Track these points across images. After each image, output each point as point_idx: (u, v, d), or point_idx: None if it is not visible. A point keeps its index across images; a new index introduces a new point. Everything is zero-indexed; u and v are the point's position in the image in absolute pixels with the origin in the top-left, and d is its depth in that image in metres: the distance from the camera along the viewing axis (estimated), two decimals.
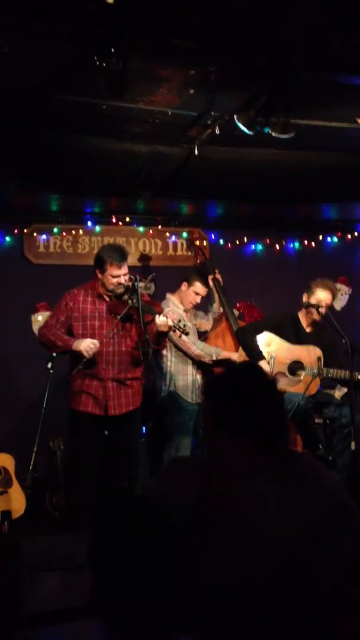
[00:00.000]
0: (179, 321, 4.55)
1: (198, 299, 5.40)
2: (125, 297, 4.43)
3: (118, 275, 4.40)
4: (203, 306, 5.71)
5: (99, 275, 4.47)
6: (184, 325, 4.58)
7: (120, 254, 4.43)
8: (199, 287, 5.35)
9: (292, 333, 5.10)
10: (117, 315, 4.42)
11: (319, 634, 1.43)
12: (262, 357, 4.97)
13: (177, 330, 4.53)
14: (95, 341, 4.36)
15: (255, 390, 1.73)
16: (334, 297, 5.08)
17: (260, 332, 5.11)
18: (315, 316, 5.00)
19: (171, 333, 4.90)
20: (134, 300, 4.36)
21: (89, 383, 4.45)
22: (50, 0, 3.11)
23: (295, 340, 5.09)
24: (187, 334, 4.69)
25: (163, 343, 4.78)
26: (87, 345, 4.33)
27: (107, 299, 4.50)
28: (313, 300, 5.00)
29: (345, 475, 4.70)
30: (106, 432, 4.59)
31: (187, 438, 5.23)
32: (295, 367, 5.04)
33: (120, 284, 4.41)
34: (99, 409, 4.45)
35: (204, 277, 5.47)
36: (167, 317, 4.46)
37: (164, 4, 3.14)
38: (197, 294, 5.35)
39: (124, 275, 4.42)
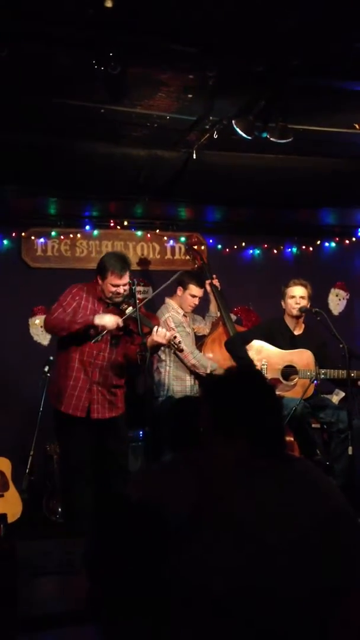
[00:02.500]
0: (174, 338, 4.61)
1: (196, 301, 5.42)
2: (124, 306, 4.44)
3: (118, 285, 4.42)
4: (201, 310, 5.71)
5: (99, 281, 4.47)
6: (179, 342, 4.67)
7: (122, 265, 4.43)
8: (194, 289, 5.37)
9: (282, 337, 5.12)
10: None
11: (316, 636, 1.43)
12: (253, 366, 4.98)
13: (171, 347, 4.60)
14: (118, 317, 4.35)
15: (252, 393, 1.72)
16: (308, 288, 5.09)
17: (249, 341, 5.12)
18: (296, 312, 5.03)
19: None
20: (132, 310, 4.37)
21: (74, 384, 4.45)
22: (49, 5, 3.11)
23: (286, 343, 5.10)
24: (181, 350, 4.80)
25: (154, 356, 4.82)
26: (109, 318, 4.31)
27: (106, 303, 4.51)
28: (290, 300, 5.06)
29: (342, 480, 4.70)
30: (94, 436, 4.59)
31: None
32: (288, 372, 5.04)
33: (118, 293, 4.43)
34: (79, 411, 4.45)
35: (197, 278, 5.49)
36: (164, 330, 4.52)
37: (163, 9, 3.15)
38: (193, 296, 5.37)
39: (124, 285, 4.43)
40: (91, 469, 4.50)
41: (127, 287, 4.45)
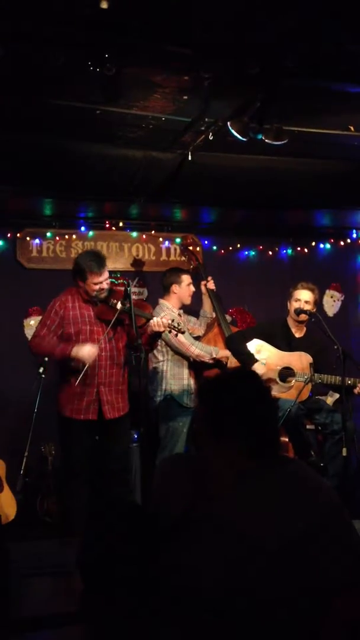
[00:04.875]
0: (173, 320, 4.59)
1: (193, 287, 5.47)
2: (113, 301, 4.45)
3: (100, 282, 4.43)
4: (194, 311, 5.72)
5: (80, 284, 4.49)
6: (178, 324, 4.63)
7: (98, 262, 4.44)
8: (186, 278, 5.43)
9: (281, 339, 5.13)
10: (107, 321, 4.43)
11: (307, 636, 1.43)
12: (255, 360, 4.98)
13: (172, 330, 4.57)
14: (95, 346, 4.36)
15: (248, 395, 1.73)
16: (315, 293, 5.10)
17: (249, 339, 5.12)
18: (302, 317, 5.04)
19: (169, 336, 4.93)
20: (125, 305, 4.37)
21: (82, 389, 4.44)
22: (45, 5, 3.11)
23: (285, 345, 5.11)
24: (183, 332, 4.75)
25: (154, 344, 4.80)
26: (89, 352, 4.33)
27: (94, 304, 4.51)
28: (295, 303, 5.06)
29: (337, 481, 4.71)
30: (96, 437, 4.60)
31: (180, 444, 5.22)
32: (285, 373, 5.05)
33: (102, 289, 4.45)
34: (92, 414, 4.45)
35: (180, 269, 5.56)
36: (158, 318, 4.52)
37: (158, 10, 3.16)
38: (189, 284, 5.43)
39: (105, 280, 4.44)
40: (90, 469, 4.52)
41: (108, 281, 4.46)
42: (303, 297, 5.06)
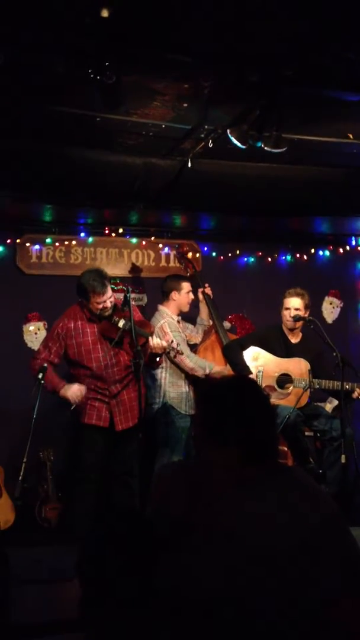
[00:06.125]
0: (172, 341, 4.66)
1: (192, 295, 5.50)
2: (116, 319, 4.50)
3: (103, 301, 4.50)
4: (192, 318, 5.73)
5: (84, 302, 4.56)
6: (178, 345, 4.73)
7: (101, 282, 4.50)
8: (186, 286, 5.45)
9: (278, 345, 5.14)
10: (110, 338, 4.53)
11: None
12: (250, 372, 4.99)
13: (171, 352, 4.66)
14: (83, 387, 4.53)
15: (246, 402, 1.73)
16: (304, 299, 5.11)
17: (246, 347, 5.13)
18: (291, 324, 5.06)
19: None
20: (126, 323, 4.43)
21: (92, 404, 4.62)
22: (46, 13, 3.12)
23: (282, 351, 5.11)
24: (181, 354, 4.82)
25: (157, 363, 4.87)
26: (73, 393, 4.51)
27: (98, 320, 4.58)
28: (285, 311, 5.11)
29: (335, 488, 4.71)
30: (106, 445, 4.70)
31: (178, 451, 5.23)
32: (283, 380, 5.05)
33: (105, 308, 4.50)
34: (102, 421, 4.62)
35: (181, 276, 5.60)
36: (160, 339, 4.64)
37: (158, 18, 3.17)
38: (188, 292, 5.46)
39: (109, 299, 4.50)
40: (100, 476, 4.61)
41: (112, 299, 4.52)
42: (292, 304, 5.09)
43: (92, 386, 4.59)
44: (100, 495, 4.61)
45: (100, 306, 4.51)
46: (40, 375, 4.80)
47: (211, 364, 5.35)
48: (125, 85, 3.58)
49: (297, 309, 5.06)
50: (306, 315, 5.08)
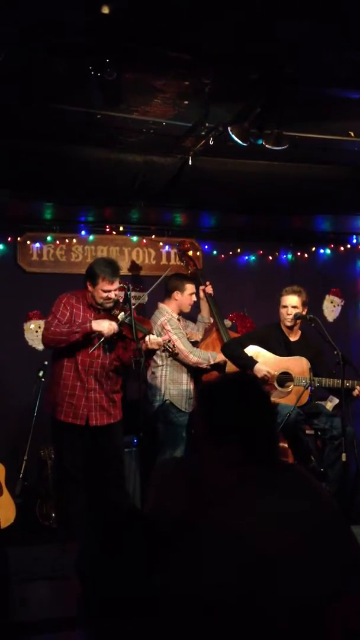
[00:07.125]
0: (169, 341, 4.66)
1: (195, 297, 5.50)
2: (116, 311, 4.48)
3: (109, 290, 4.46)
4: (192, 316, 5.73)
5: (90, 288, 4.51)
6: (173, 346, 4.79)
7: (113, 270, 4.47)
8: (190, 287, 5.45)
9: (278, 343, 5.13)
10: None
11: None
12: (255, 362, 4.98)
13: (166, 350, 4.65)
14: (113, 323, 4.41)
15: (246, 399, 1.72)
16: (301, 296, 5.11)
17: (245, 346, 5.13)
18: (289, 323, 5.05)
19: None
20: (126, 316, 4.40)
21: (72, 393, 4.48)
22: (46, 11, 3.12)
23: (282, 350, 5.11)
24: (176, 354, 4.82)
25: (149, 360, 4.86)
26: (108, 325, 4.38)
27: (97, 310, 4.53)
28: (282, 310, 5.09)
29: (336, 486, 4.70)
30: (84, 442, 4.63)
31: (179, 449, 5.23)
32: (283, 378, 5.05)
33: (109, 298, 4.46)
34: (79, 420, 4.48)
35: (187, 277, 5.58)
36: (157, 336, 4.64)
37: (159, 16, 3.17)
38: (191, 294, 5.45)
39: (115, 290, 4.47)
40: (85, 475, 4.53)
41: (117, 292, 4.50)
42: (289, 302, 5.08)
43: (74, 382, 4.50)
44: (92, 496, 4.56)
45: (105, 295, 4.47)
46: (40, 373, 4.81)
47: (214, 354, 5.36)
48: (126, 83, 3.58)
49: (294, 307, 5.06)
50: (304, 312, 5.08)
